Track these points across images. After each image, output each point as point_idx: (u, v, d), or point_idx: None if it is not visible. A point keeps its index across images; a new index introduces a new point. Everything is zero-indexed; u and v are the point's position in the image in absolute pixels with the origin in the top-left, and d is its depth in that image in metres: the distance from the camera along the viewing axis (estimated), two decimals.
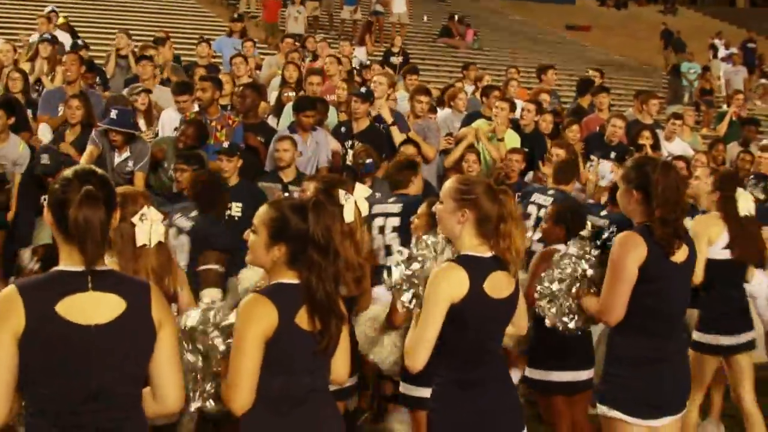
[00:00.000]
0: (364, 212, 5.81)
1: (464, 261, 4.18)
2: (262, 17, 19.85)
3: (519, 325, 4.56)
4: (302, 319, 3.78)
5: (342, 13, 26.40)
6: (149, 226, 4.79)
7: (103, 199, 3.34)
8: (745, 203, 6.58)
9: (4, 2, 22.48)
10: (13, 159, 9.05)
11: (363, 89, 10.73)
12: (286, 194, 9.02)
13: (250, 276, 6.07)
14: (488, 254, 4.22)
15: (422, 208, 5.98)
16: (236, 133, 9.85)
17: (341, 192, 5.60)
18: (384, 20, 25.48)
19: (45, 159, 8.55)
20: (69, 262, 3.34)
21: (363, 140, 9.79)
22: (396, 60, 17.92)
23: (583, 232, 5.27)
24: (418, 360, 4.12)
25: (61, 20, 15.76)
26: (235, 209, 8.56)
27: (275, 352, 3.74)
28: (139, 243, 4.75)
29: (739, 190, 6.70)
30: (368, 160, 9.02)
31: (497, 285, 4.19)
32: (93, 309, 3.29)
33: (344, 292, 4.88)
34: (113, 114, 9.14)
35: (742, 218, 6.56)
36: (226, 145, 8.92)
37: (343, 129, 10.27)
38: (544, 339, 5.81)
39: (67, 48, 13.43)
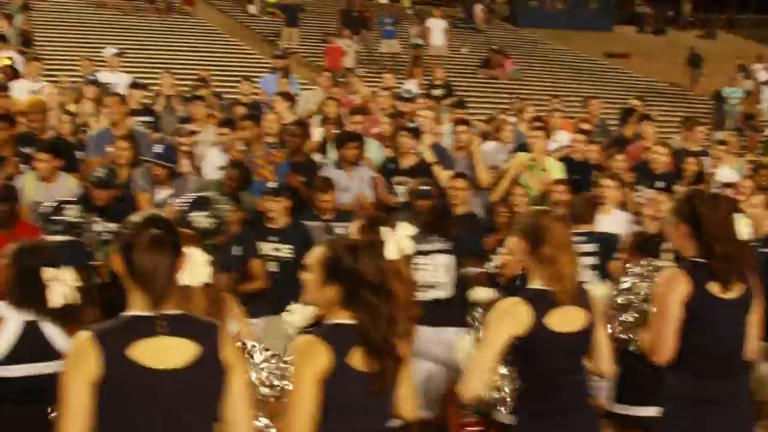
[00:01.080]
0: (408, 250, 5.76)
1: (530, 295, 4.22)
2: (325, 63, 19.95)
3: (602, 368, 4.56)
4: (357, 359, 3.77)
5: (381, 47, 26.53)
6: (194, 267, 4.80)
7: (170, 244, 3.40)
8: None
9: (51, 45, 22.76)
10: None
11: (411, 124, 10.76)
12: (330, 231, 9.06)
13: (293, 320, 6.04)
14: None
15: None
16: (280, 170, 9.88)
17: (384, 229, 5.57)
18: (423, 52, 25.54)
19: (99, 172, 8.64)
20: (139, 306, 3.37)
21: (411, 176, 9.79)
22: (438, 92, 17.91)
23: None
24: (468, 388, 4.21)
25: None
26: (286, 251, 8.58)
27: (331, 393, 3.73)
28: (181, 283, 4.77)
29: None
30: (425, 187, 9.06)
31: (563, 319, 4.20)
32: (166, 353, 3.31)
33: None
34: (157, 149, 9.29)
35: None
36: (271, 185, 8.95)
37: (391, 165, 10.29)
38: (627, 373, 5.78)
39: (122, 87, 13.56)
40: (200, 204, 7.05)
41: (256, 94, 14.36)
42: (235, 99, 13.70)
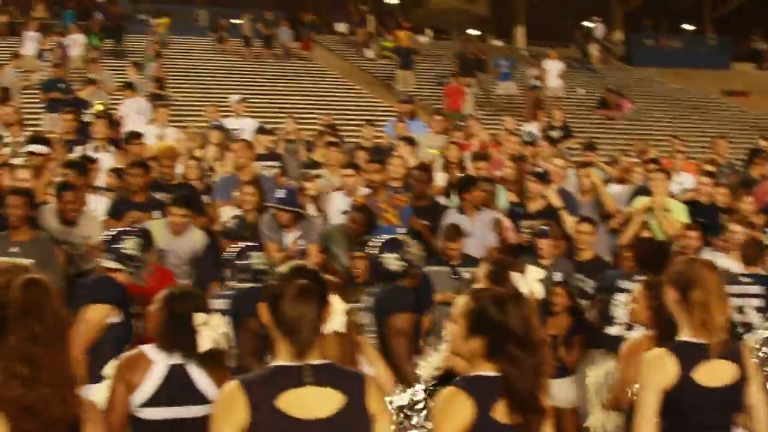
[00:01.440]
0: (538, 295, 5.69)
1: (676, 346, 4.15)
2: (444, 106, 20.11)
3: (757, 429, 4.42)
4: (500, 412, 3.70)
5: (497, 89, 26.54)
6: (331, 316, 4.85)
7: (317, 294, 3.42)
8: None
9: (175, 91, 23.32)
10: (192, 250, 9.27)
11: (537, 168, 10.74)
12: (455, 277, 9.05)
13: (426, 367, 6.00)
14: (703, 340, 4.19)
15: None
16: (404, 213, 9.94)
17: (514, 274, 5.51)
18: (540, 94, 25.46)
19: (230, 223, 8.78)
20: (286, 356, 3.40)
21: (539, 219, 9.83)
22: (555, 134, 17.84)
23: None
24: None
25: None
26: None
27: None
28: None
29: None
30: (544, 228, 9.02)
31: (711, 373, 4.12)
32: (313, 403, 3.33)
33: None
34: (280, 193, 9.40)
35: None
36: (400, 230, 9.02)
37: (519, 209, 10.28)
38: None
39: (247, 133, 13.81)
40: (392, 246, 7.12)
41: (378, 138, 14.46)
42: (356, 143, 13.80)
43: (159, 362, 4.82)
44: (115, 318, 6.48)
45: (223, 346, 4.95)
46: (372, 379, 3.55)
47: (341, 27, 34.45)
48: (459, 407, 3.68)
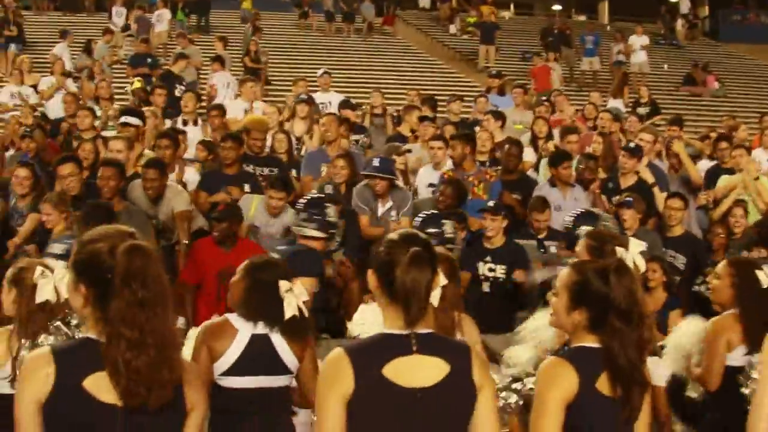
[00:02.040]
0: (641, 268, 5.66)
1: None
2: (533, 88, 20.01)
3: None
4: (603, 384, 3.69)
5: (582, 65, 26.30)
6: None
7: (429, 262, 3.37)
8: None
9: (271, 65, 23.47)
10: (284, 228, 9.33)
11: (631, 144, 10.65)
12: (542, 251, 9.04)
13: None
14: None
15: None
16: (494, 188, 9.94)
17: (620, 249, 5.47)
18: (626, 70, 25.14)
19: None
20: (393, 324, 3.37)
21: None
22: (643, 110, 17.62)
23: None
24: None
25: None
26: (500, 271, 8.61)
27: (576, 418, 3.67)
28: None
29: None
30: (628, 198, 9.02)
31: None
32: (418, 372, 3.30)
33: None
34: (375, 162, 9.45)
35: None
36: (491, 203, 8.99)
37: (610, 185, 10.21)
38: None
39: (333, 107, 13.88)
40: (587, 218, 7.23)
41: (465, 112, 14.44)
42: (444, 118, 13.77)
43: (242, 331, 4.85)
44: (315, 289, 6.59)
45: (306, 313, 4.95)
46: (477, 351, 3.52)
47: (424, 2, 34.30)
48: (564, 377, 3.67)
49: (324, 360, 3.38)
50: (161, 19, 23.95)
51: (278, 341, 4.87)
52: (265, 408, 4.90)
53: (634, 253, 5.50)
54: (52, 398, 3.07)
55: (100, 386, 3.09)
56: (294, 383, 5.03)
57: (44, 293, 4.96)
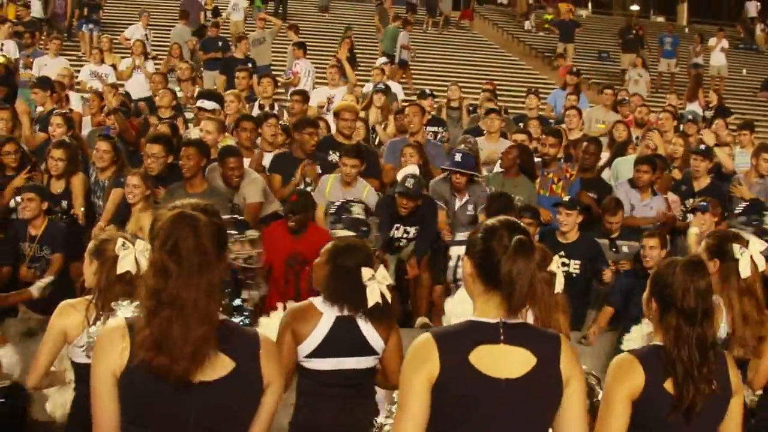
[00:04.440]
0: (761, 266, 5.53)
1: None
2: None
3: None
4: (670, 383, 3.67)
5: (659, 66, 26.00)
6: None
7: (531, 251, 3.32)
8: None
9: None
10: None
11: (701, 147, 10.55)
12: (613, 250, 8.99)
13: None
14: None
15: None
16: (572, 186, 9.88)
17: (736, 246, 5.36)
18: (704, 73, 24.80)
19: (409, 183, 8.86)
20: (484, 312, 3.34)
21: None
22: (709, 114, 17.38)
23: None
24: None
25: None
26: (573, 266, 8.55)
27: (639, 415, 3.65)
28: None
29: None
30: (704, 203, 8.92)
31: None
32: (504, 362, 3.25)
33: (740, 354, 4.73)
34: (457, 157, 9.40)
35: None
36: (566, 198, 8.95)
37: (683, 187, 10.09)
38: None
39: (399, 97, 13.89)
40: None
41: (541, 108, 14.35)
42: (521, 114, 13.72)
43: (327, 314, 4.86)
44: None
45: (388, 298, 4.93)
46: (567, 342, 3.44)
47: None
48: (631, 374, 3.67)
49: (411, 343, 3.36)
50: (237, 7, 24.04)
51: (363, 323, 4.88)
52: (351, 389, 4.91)
53: (753, 251, 5.38)
54: (127, 372, 3.06)
55: None
56: (379, 366, 5.04)
57: (125, 264, 5.01)
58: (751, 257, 5.29)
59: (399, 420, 3.28)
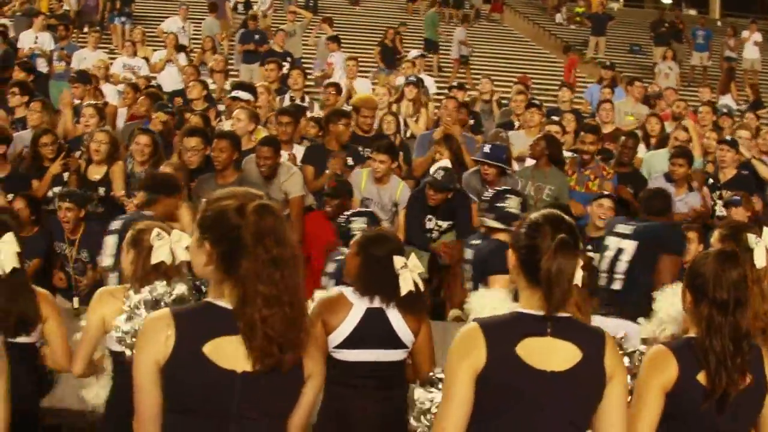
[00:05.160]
0: None
1: None
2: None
3: None
4: (704, 376, 3.65)
5: (692, 59, 25.84)
6: None
7: (575, 247, 3.33)
8: None
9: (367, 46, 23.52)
10: (392, 200, 9.39)
11: (727, 137, 10.53)
12: None
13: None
14: None
15: None
16: (612, 182, 9.87)
17: (751, 236, 5.34)
18: (737, 66, 24.63)
19: (439, 175, 8.86)
20: (530, 305, 3.35)
21: (732, 189, 9.65)
22: (744, 107, 17.29)
23: None
24: None
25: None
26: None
27: (671, 407, 3.65)
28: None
29: None
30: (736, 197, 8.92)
31: None
32: (550, 355, 3.28)
33: None
34: (486, 148, 9.40)
35: None
36: (605, 192, 8.92)
37: (710, 180, 10.12)
38: None
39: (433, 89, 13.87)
40: None
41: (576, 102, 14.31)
42: (555, 107, 13.65)
43: (357, 305, 4.87)
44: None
45: (420, 288, 4.93)
46: (611, 338, 3.45)
47: None
48: (664, 366, 3.66)
49: (458, 333, 3.38)
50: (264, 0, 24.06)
51: (394, 315, 4.88)
52: (380, 381, 4.93)
53: (767, 241, 5.34)
54: (171, 362, 3.07)
55: (220, 352, 3.07)
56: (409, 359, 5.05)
57: (159, 254, 5.05)
58: (766, 247, 5.26)
59: (443, 408, 3.32)
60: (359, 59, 16.03)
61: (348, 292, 4.93)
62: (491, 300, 5.23)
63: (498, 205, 7.14)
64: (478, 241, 7.40)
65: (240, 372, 3.09)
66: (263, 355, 3.07)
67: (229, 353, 3.08)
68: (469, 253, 7.56)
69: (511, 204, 7.24)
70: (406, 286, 4.85)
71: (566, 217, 3.45)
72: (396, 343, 4.91)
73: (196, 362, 3.06)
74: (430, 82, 15.33)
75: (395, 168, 9.61)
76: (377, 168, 9.18)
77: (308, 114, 11.13)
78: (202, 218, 3.19)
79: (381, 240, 5.06)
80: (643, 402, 3.67)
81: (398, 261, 4.88)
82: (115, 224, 7.19)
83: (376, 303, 4.88)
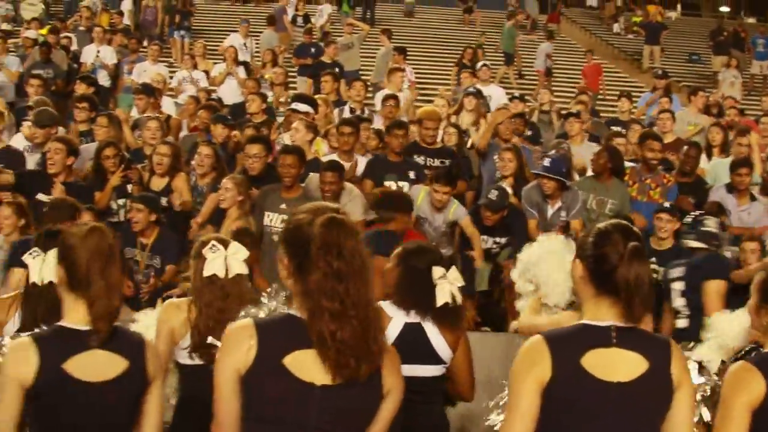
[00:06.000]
0: None
1: None
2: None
3: None
4: None
5: (752, 68, 25.57)
6: None
7: (646, 255, 3.32)
8: None
9: (422, 60, 23.55)
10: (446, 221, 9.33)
11: None
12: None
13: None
14: None
15: None
16: (671, 192, 9.77)
17: None
18: None
19: (493, 194, 8.85)
20: (595, 315, 3.33)
21: None
22: None
23: None
24: None
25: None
26: (674, 273, 8.42)
27: (760, 424, 3.55)
28: None
29: None
30: None
31: None
32: (616, 365, 3.25)
33: None
34: (546, 162, 9.34)
35: None
36: (666, 204, 8.84)
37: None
38: None
39: (495, 100, 13.82)
40: None
41: (632, 112, 14.22)
42: (613, 117, 13.60)
43: (396, 319, 4.80)
44: None
45: (459, 300, 4.86)
46: (677, 347, 3.41)
47: (590, 0, 33.85)
48: (749, 383, 3.57)
49: (522, 345, 3.37)
50: (322, 13, 24.18)
51: (431, 330, 4.82)
52: (415, 395, 4.78)
53: None
54: (252, 371, 3.10)
55: (300, 364, 3.11)
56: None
57: (211, 267, 5.06)
58: None
59: (508, 420, 3.30)
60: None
61: (386, 305, 4.84)
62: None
63: (699, 229, 7.85)
64: (681, 261, 8.02)
65: (319, 385, 3.12)
66: (338, 366, 3.10)
67: (308, 365, 3.12)
68: (678, 272, 7.95)
69: (710, 224, 7.89)
70: (442, 297, 4.78)
71: (633, 227, 3.43)
72: (434, 358, 4.84)
73: (276, 373, 3.10)
74: (500, 94, 15.22)
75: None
76: (440, 198, 9.09)
77: (369, 126, 11.12)
78: (283, 231, 3.27)
79: (421, 252, 5.00)
80: (729, 421, 3.56)
81: (437, 271, 4.83)
82: None
83: (413, 317, 4.81)
